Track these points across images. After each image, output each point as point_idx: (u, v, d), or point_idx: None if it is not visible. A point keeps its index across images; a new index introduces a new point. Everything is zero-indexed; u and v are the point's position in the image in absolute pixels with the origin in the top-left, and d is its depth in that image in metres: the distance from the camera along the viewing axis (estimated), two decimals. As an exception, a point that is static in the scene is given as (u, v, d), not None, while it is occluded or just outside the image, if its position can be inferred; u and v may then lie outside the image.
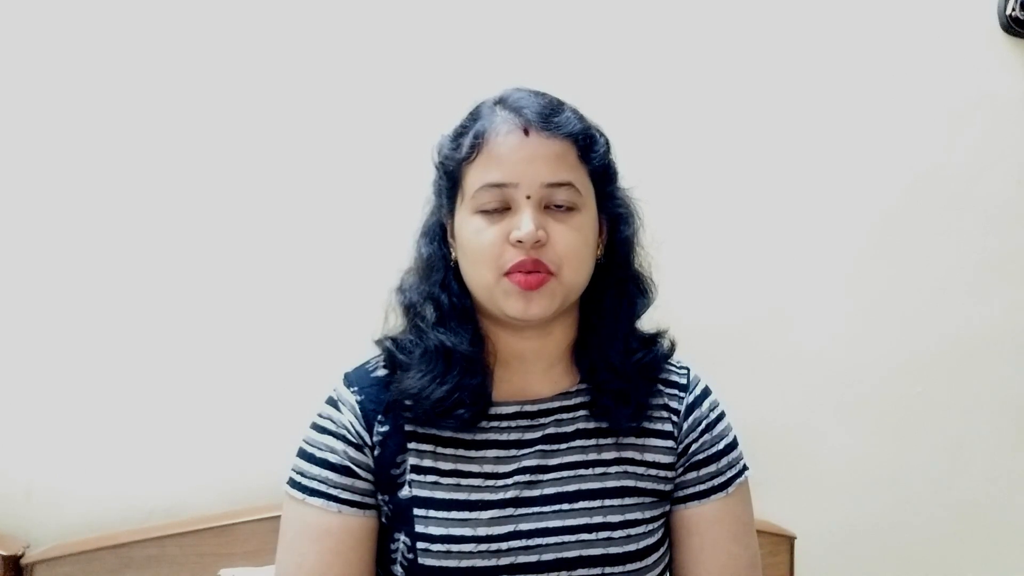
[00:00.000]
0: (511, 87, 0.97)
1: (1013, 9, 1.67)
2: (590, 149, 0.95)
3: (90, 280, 1.40)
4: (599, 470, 0.95)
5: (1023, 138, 1.74)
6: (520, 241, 0.89)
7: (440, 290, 0.97)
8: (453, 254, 0.98)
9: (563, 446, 0.96)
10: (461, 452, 0.94)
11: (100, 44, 1.39)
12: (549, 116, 0.92)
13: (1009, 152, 1.74)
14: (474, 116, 0.96)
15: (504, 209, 0.91)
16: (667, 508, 0.99)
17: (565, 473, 0.95)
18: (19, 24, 1.37)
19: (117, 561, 1.35)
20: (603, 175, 0.98)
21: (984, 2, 1.70)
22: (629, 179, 1.03)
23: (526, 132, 0.91)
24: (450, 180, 0.96)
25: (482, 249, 0.91)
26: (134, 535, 1.37)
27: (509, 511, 0.92)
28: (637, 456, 0.97)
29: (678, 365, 1.05)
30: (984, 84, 1.71)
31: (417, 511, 0.92)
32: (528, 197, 0.90)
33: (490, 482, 0.93)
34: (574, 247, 0.92)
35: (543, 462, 0.95)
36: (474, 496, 0.92)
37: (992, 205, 1.73)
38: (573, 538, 0.91)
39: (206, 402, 1.45)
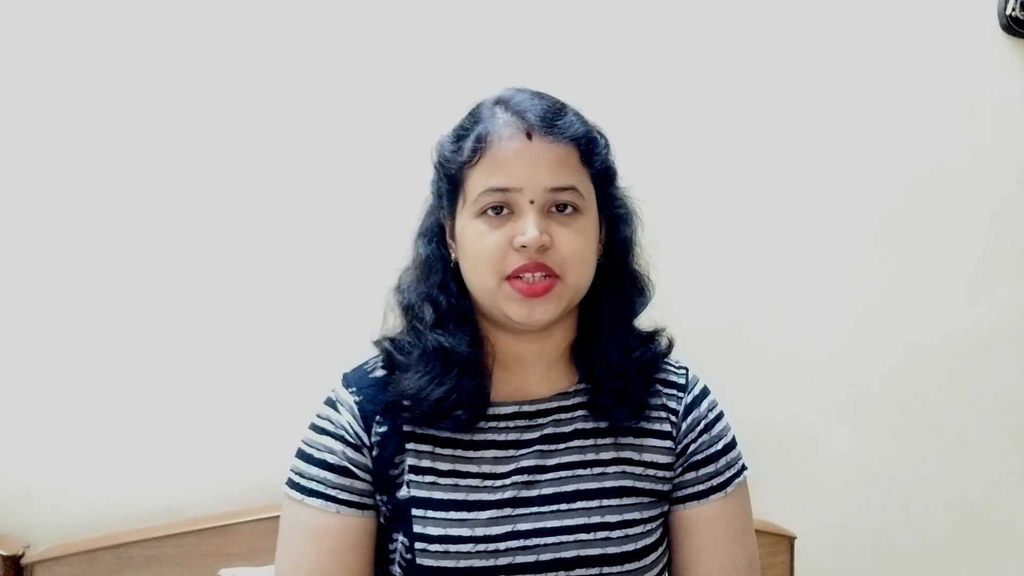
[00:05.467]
0: (511, 87, 0.96)
1: (1013, 9, 1.67)
2: (592, 152, 0.95)
3: (90, 281, 1.41)
4: (597, 470, 0.95)
5: (1023, 138, 1.74)
6: (524, 246, 0.89)
7: (439, 291, 0.97)
8: (453, 255, 0.98)
9: (561, 446, 0.96)
10: (459, 452, 0.94)
11: (100, 44, 1.40)
12: (552, 120, 0.92)
13: (1009, 152, 1.74)
14: (474, 117, 0.95)
15: (507, 213, 0.91)
16: (665, 508, 0.99)
17: (563, 473, 0.95)
18: (19, 24, 1.37)
19: (117, 561, 1.35)
20: (604, 177, 0.97)
21: (984, 2, 1.70)
22: (627, 178, 1.03)
23: (529, 136, 0.91)
24: (451, 183, 0.96)
25: (485, 253, 0.91)
26: (134, 535, 1.37)
27: (507, 511, 0.92)
28: (635, 456, 0.97)
29: (677, 365, 1.05)
30: (984, 84, 1.71)
31: (415, 511, 0.92)
32: (531, 202, 0.90)
33: (488, 482, 0.93)
34: (578, 250, 0.92)
35: (541, 462, 0.95)
36: (472, 496, 0.92)
37: (992, 205, 1.73)
38: (571, 538, 0.91)
39: (206, 402, 1.45)
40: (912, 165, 1.70)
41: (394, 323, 1.01)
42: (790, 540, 1.59)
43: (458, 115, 0.98)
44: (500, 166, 0.90)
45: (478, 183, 0.91)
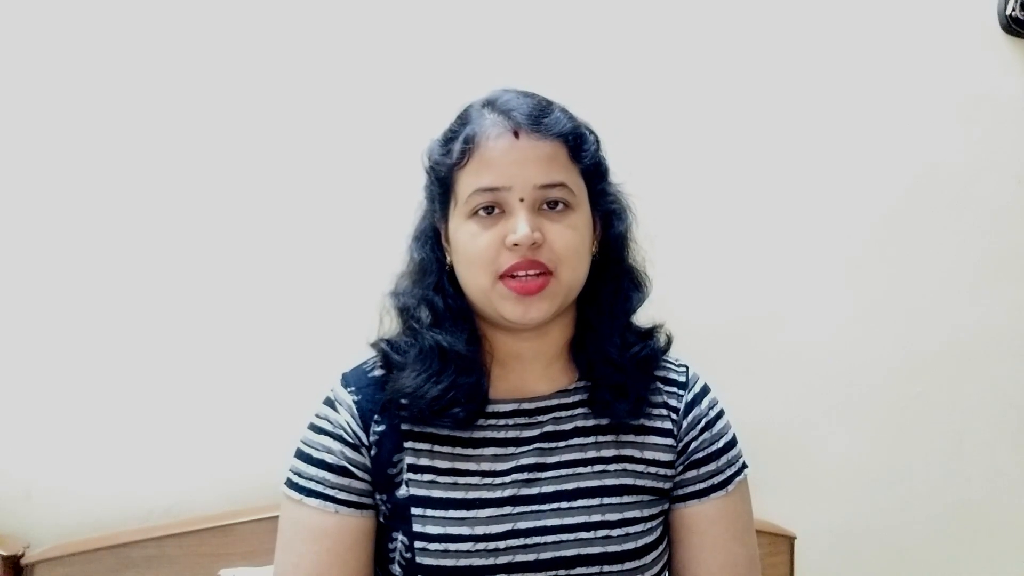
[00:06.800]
0: (499, 88, 0.97)
1: (1013, 9, 1.68)
2: (580, 148, 0.95)
3: (90, 281, 1.41)
4: (598, 468, 0.95)
5: (1023, 138, 1.74)
6: (516, 244, 0.89)
7: (434, 293, 0.97)
8: (448, 258, 0.98)
9: (561, 444, 0.96)
10: (458, 451, 0.94)
11: (100, 44, 1.40)
12: (538, 117, 0.92)
13: (1009, 152, 1.74)
14: (463, 120, 0.96)
15: (498, 213, 0.91)
16: (666, 506, 0.99)
17: (563, 471, 0.95)
18: (19, 24, 1.37)
19: (117, 561, 1.35)
20: (595, 173, 0.98)
21: (984, 2, 1.70)
22: (624, 175, 1.03)
23: (516, 134, 0.91)
24: (442, 185, 0.96)
25: (478, 254, 0.91)
26: (134, 535, 1.37)
27: (507, 509, 0.92)
28: (636, 454, 0.97)
29: (677, 363, 1.05)
30: (984, 84, 1.71)
31: (415, 510, 0.92)
32: (521, 200, 0.90)
33: (488, 480, 0.93)
34: (570, 246, 0.92)
35: (541, 460, 0.95)
36: (471, 495, 0.92)
37: (992, 205, 1.74)
38: (571, 536, 0.91)
39: (206, 402, 1.45)
40: (912, 165, 1.70)
41: (390, 326, 1.01)
42: (790, 540, 1.59)
43: (450, 119, 0.98)
44: (488, 166, 0.91)
45: (468, 184, 0.92)
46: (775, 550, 1.57)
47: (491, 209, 0.91)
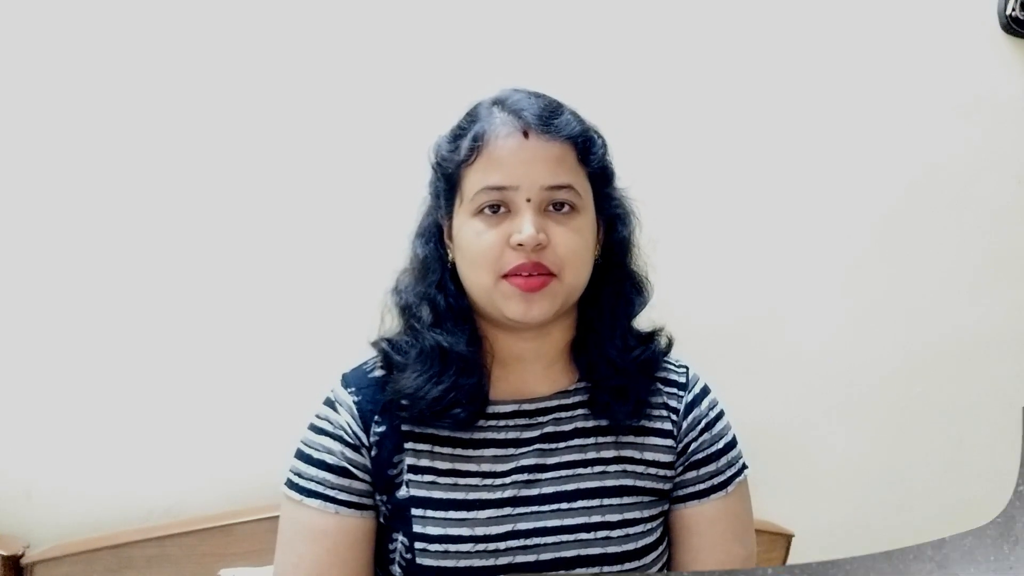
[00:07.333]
0: (508, 88, 0.97)
1: (1013, 9, 1.67)
2: (589, 151, 0.95)
3: (90, 281, 1.41)
4: (598, 469, 0.95)
5: (1023, 138, 1.74)
6: (521, 244, 0.89)
7: (436, 291, 0.97)
8: (451, 255, 0.98)
9: (561, 445, 0.96)
10: (459, 451, 0.94)
11: (100, 44, 1.40)
12: (549, 118, 0.92)
13: (1009, 152, 1.73)
14: (472, 117, 0.95)
15: (504, 212, 0.91)
16: (666, 507, 0.99)
17: (563, 472, 0.95)
18: (19, 24, 1.37)
19: (117, 561, 1.35)
20: (601, 176, 0.98)
21: (984, 2, 1.70)
22: (625, 178, 1.03)
23: (526, 134, 0.91)
24: (448, 182, 0.96)
25: (482, 252, 0.91)
26: (134, 535, 1.37)
27: (507, 510, 0.92)
28: (636, 455, 0.97)
29: (677, 364, 1.05)
30: (984, 84, 1.71)
31: (415, 511, 0.92)
32: (528, 200, 0.90)
33: (488, 481, 0.93)
34: (574, 249, 0.92)
35: (541, 461, 0.95)
36: (472, 495, 0.92)
37: (992, 205, 1.73)
38: (571, 537, 0.91)
39: (206, 402, 1.45)
40: (912, 165, 1.69)
41: (391, 324, 1.01)
42: (787, 538, 1.59)
43: (456, 116, 0.98)
44: (497, 164, 0.91)
45: (475, 182, 0.92)
46: (772, 548, 1.57)
47: (497, 208, 0.91)
